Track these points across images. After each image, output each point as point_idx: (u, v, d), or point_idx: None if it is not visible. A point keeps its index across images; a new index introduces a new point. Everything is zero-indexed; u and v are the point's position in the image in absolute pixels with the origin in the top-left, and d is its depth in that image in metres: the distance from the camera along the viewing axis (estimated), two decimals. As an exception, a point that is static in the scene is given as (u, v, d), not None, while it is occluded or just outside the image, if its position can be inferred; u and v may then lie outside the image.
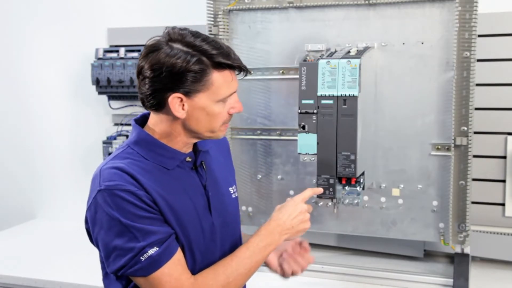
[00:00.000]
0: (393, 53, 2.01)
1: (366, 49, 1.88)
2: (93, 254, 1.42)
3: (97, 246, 1.32)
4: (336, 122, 1.70)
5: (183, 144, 1.35)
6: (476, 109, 2.03)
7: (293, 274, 1.50)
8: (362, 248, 2.37)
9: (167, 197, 1.29)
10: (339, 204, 1.75)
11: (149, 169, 1.30)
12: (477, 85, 2.05)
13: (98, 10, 2.85)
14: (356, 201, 1.74)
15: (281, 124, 2.20)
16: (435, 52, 1.96)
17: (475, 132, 2.06)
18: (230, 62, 1.27)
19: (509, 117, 2.25)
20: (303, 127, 1.74)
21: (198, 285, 1.28)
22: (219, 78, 1.27)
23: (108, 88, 2.71)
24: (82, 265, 2.37)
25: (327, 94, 1.70)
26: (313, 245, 2.38)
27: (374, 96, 2.00)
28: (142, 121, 1.39)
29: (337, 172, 1.71)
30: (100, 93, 2.75)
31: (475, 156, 2.09)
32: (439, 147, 2.01)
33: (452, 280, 2.06)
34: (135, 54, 2.69)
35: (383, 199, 2.10)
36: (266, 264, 1.52)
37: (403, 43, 2.00)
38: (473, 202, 2.08)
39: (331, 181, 1.71)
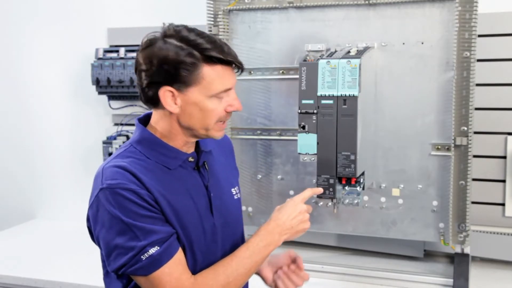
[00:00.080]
0: (393, 53, 2.01)
1: (366, 49, 1.88)
2: (93, 254, 1.42)
3: (98, 244, 1.32)
4: (336, 122, 1.70)
5: (183, 142, 1.35)
6: (476, 109, 2.03)
7: None
8: (362, 248, 2.37)
9: (169, 197, 1.29)
10: (339, 204, 1.75)
11: (151, 169, 1.30)
12: (477, 85, 2.05)
13: (98, 10, 2.85)
14: (356, 201, 1.74)
15: (281, 124, 2.20)
16: (435, 52, 1.96)
17: (475, 132, 2.06)
18: (221, 56, 1.26)
19: (509, 117, 2.25)
20: (303, 127, 1.74)
21: (198, 285, 1.28)
22: (211, 73, 1.26)
23: (108, 88, 2.71)
24: (82, 265, 2.37)
25: (327, 94, 1.70)
26: (313, 245, 2.40)
27: (374, 96, 2.00)
28: (145, 120, 1.39)
29: (337, 172, 1.71)
30: (100, 93, 2.75)
31: (475, 156, 2.09)
32: (439, 147, 2.01)
33: (452, 280, 2.06)
34: (135, 54, 2.68)
35: (383, 199, 2.10)
36: (262, 279, 1.54)
37: (403, 43, 2.00)
38: (473, 202, 2.08)
39: (331, 181, 1.71)
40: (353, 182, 1.74)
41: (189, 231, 1.32)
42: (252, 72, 2.21)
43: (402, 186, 2.07)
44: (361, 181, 1.78)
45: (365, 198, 2.11)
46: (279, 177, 2.22)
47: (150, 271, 1.24)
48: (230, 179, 1.50)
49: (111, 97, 2.79)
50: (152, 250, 1.23)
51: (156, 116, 1.35)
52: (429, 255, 2.33)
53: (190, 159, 1.37)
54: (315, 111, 1.71)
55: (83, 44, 2.84)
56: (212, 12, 2.19)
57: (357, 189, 1.75)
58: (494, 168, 2.28)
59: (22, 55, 2.99)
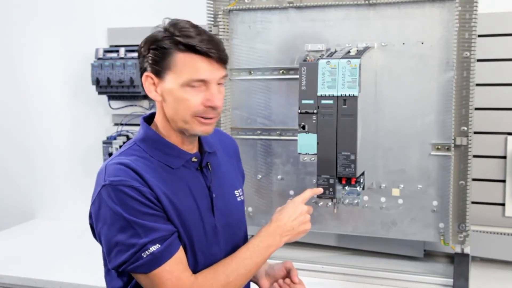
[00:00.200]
0: (393, 53, 2.01)
1: (366, 49, 1.88)
2: (93, 254, 1.42)
3: (99, 241, 1.32)
4: (336, 122, 1.69)
5: (179, 139, 1.36)
6: (476, 109, 2.03)
7: None
8: (362, 248, 2.37)
9: (171, 196, 1.29)
10: (339, 204, 1.75)
11: (154, 167, 1.31)
12: (477, 85, 2.05)
13: (98, 10, 2.85)
14: (356, 201, 1.74)
15: (281, 124, 2.20)
16: (435, 52, 1.96)
17: (475, 132, 2.06)
18: (192, 44, 1.25)
19: (509, 117, 2.25)
20: (303, 127, 1.74)
21: (199, 284, 1.28)
22: (183, 59, 1.27)
23: (108, 88, 2.70)
24: (82, 265, 2.37)
25: (327, 94, 1.69)
26: (313, 245, 2.40)
27: (374, 96, 2.00)
28: (150, 119, 1.40)
29: (337, 172, 1.71)
30: (100, 93, 2.75)
31: (475, 156, 2.09)
32: (439, 147, 2.01)
33: (452, 280, 2.06)
34: (135, 54, 2.69)
35: (383, 199, 2.10)
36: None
37: (403, 43, 2.00)
38: (473, 202, 2.08)
39: (331, 181, 1.70)
40: (353, 182, 1.74)
41: (190, 231, 1.32)
42: (252, 72, 2.21)
43: (402, 186, 2.07)
44: (361, 181, 1.78)
45: (365, 198, 2.11)
46: (279, 177, 2.22)
47: (150, 269, 1.24)
48: (233, 181, 1.50)
49: (111, 97, 2.79)
50: (153, 248, 1.24)
51: (156, 112, 1.37)
52: (429, 255, 2.33)
53: (194, 159, 1.37)
54: (315, 111, 1.71)
55: (83, 44, 2.84)
56: (212, 12, 2.19)
57: (357, 189, 1.75)
58: (494, 168, 2.28)
59: (22, 55, 2.99)
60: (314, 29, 2.09)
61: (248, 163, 2.25)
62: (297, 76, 1.76)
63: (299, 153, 1.77)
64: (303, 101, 1.73)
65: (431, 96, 1.99)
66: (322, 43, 2.03)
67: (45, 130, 3.02)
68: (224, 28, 2.18)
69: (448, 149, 1.99)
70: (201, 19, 2.21)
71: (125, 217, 1.23)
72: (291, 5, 2.11)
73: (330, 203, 2.09)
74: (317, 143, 1.73)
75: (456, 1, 1.88)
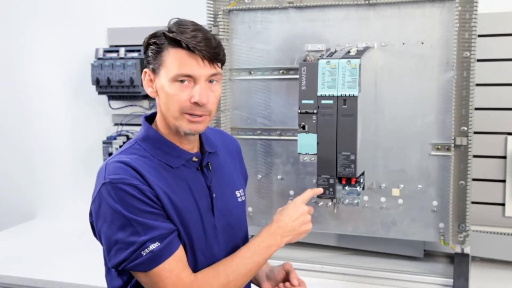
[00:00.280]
0: (393, 53, 2.01)
1: (366, 49, 1.88)
2: (93, 254, 1.43)
3: (99, 239, 1.32)
4: (336, 122, 1.69)
5: (179, 137, 1.36)
6: (476, 109, 2.03)
7: None
8: (362, 248, 2.37)
9: (171, 195, 1.30)
10: (339, 204, 1.75)
11: (154, 166, 1.31)
12: (477, 85, 2.05)
13: (98, 10, 2.85)
14: (356, 201, 1.74)
15: (281, 124, 2.20)
16: (435, 52, 1.96)
17: (475, 132, 2.06)
18: (179, 38, 1.27)
19: (509, 117, 2.25)
20: (303, 127, 1.74)
21: (199, 282, 1.28)
22: (172, 55, 1.28)
23: (108, 88, 2.70)
24: (82, 265, 2.37)
25: (327, 94, 1.70)
26: (313, 245, 2.40)
27: (374, 96, 2.00)
28: (151, 118, 1.40)
29: (337, 172, 1.71)
30: (100, 93, 2.75)
31: (475, 156, 2.09)
32: (439, 147, 2.01)
33: (452, 280, 2.06)
34: (135, 54, 2.69)
35: (383, 199, 2.10)
36: None
37: (403, 43, 2.00)
38: (473, 202, 2.08)
39: (331, 181, 1.70)
40: (353, 182, 1.74)
41: (189, 230, 1.32)
42: (252, 72, 2.21)
43: (402, 186, 2.07)
44: (361, 181, 1.78)
45: (365, 198, 2.11)
46: (279, 177, 2.22)
47: (150, 267, 1.24)
48: (234, 181, 1.50)
49: (111, 97, 2.79)
50: (153, 246, 1.24)
51: (157, 111, 1.38)
52: (429, 255, 2.33)
53: (194, 158, 1.38)
54: (315, 111, 1.71)
55: (83, 44, 2.84)
56: (212, 12, 2.19)
57: (357, 189, 1.75)
58: (494, 168, 2.28)
59: (22, 55, 2.99)
60: (314, 29, 2.09)
61: (248, 163, 2.24)
62: (297, 76, 1.77)
63: (299, 153, 1.77)
64: (303, 101, 1.73)
65: (431, 96, 1.99)
66: (322, 43, 2.03)
67: (45, 130, 3.02)
68: (224, 28, 2.18)
69: (448, 149, 1.99)
70: (201, 19, 2.21)
71: (124, 215, 1.24)
72: (291, 5, 2.11)
73: (330, 203, 2.09)
74: (317, 143, 1.73)
75: (456, 1, 1.88)
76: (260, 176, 2.25)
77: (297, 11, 2.12)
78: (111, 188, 1.25)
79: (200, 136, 1.43)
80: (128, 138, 2.78)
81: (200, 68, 1.28)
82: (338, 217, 2.16)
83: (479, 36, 1.93)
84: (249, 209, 2.27)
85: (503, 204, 2.29)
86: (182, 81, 1.28)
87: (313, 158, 1.75)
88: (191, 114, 1.30)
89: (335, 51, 1.91)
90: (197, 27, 1.30)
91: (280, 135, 2.21)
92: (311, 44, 2.03)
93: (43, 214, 3.11)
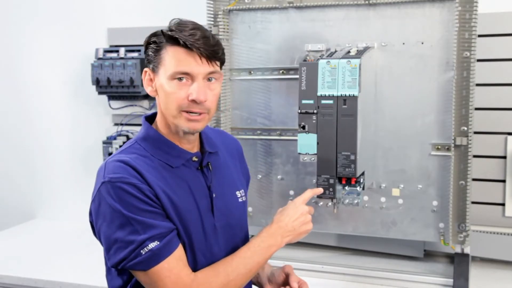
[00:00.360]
0: (393, 53, 2.01)
1: (366, 49, 1.88)
2: (93, 254, 1.43)
3: (99, 239, 1.32)
4: (336, 122, 1.69)
5: (179, 138, 1.36)
6: (476, 109, 2.03)
7: None
8: (362, 248, 2.37)
9: (170, 194, 1.30)
10: (339, 204, 1.75)
11: (154, 166, 1.31)
12: (477, 85, 2.05)
13: (98, 10, 2.85)
14: (356, 201, 1.74)
15: (281, 124, 2.20)
16: (435, 52, 1.96)
17: (475, 132, 2.06)
18: (176, 36, 1.27)
19: (509, 117, 2.25)
20: (303, 127, 1.74)
21: (198, 282, 1.28)
22: (170, 53, 1.29)
23: (108, 88, 2.70)
24: (82, 265, 2.37)
25: (327, 94, 1.70)
26: (313, 245, 2.40)
27: (374, 96, 2.00)
28: (152, 118, 1.40)
29: (337, 172, 1.71)
30: (100, 93, 2.75)
31: (475, 156, 2.09)
32: (439, 147, 2.01)
33: (452, 280, 2.06)
34: (135, 54, 2.69)
35: (383, 199, 2.10)
36: None
37: (403, 43, 2.00)
38: (473, 202, 2.08)
39: (331, 181, 1.70)
40: (353, 182, 1.74)
41: (189, 230, 1.32)
42: (252, 72, 2.21)
43: (402, 186, 2.07)
44: (361, 181, 1.78)
45: (365, 198, 2.11)
46: (279, 177, 2.22)
47: (149, 266, 1.24)
48: (235, 181, 1.50)
49: (111, 97, 2.79)
50: (152, 245, 1.24)
51: (157, 111, 1.38)
52: (429, 255, 2.33)
53: (194, 158, 1.38)
54: (315, 111, 1.71)
55: (83, 44, 2.84)
56: (212, 12, 2.19)
57: (357, 189, 1.75)
58: (494, 168, 2.28)
59: (22, 55, 2.99)
60: (314, 29, 2.09)
61: (248, 163, 2.22)
62: (297, 76, 1.77)
63: (299, 153, 1.77)
64: (303, 101, 1.73)
65: (431, 96, 1.99)
66: (322, 43, 2.03)
67: (45, 130, 3.02)
68: (224, 28, 2.18)
69: (448, 149, 1.99)
70: (201, 19, 2.20)
71: (124, 214, 1.24)
72: (291, 5, 2.11)
73: (330, 203, 2.09)
74: (317, 143, 1.73)
75: (456, 1, 1.88)
76: (260, 176, 2.25)
77: (297, 11, 2.12)
78: (111, 187, 1.25)
79: (200, 136, 1.43)
80: (128, 138, 2.78)
81: (198, 66, 1.29)
82: (338, 217, 2.16)
83: (479, 36, 1.93)
84: (249, 209, 2.27)
85: (503, 204, 2.29)
86: (180, 79, 1.29)
87: (313, 158, 1.75)
88: (189, 112, 1.30)
89: (335, 51, 1.91)
90: (196, 26, 1.31)
91: (280, 135, 2.21)
92: (311, 44, 2.03)
93: (43, 214, 3.11)
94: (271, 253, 1.37)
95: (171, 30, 1.29)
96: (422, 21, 1.97)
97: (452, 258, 2.23)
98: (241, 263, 1.33)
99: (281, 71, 2.16)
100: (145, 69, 1.35)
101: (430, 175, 2.04)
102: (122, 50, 2.72)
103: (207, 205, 1.37)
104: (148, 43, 1.33)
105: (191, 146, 1.39)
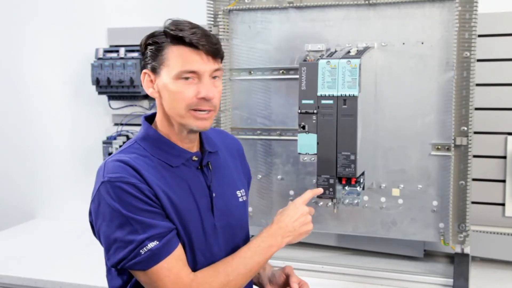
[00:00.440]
0: (393, 53, 2.01)
1: (366, 49, 1.88)
2: (93, 254, 1.43)
3: (99, 239, 1.32)
4: (336, 122, 1.70)
5: (181, 137, 1.36)
6: (476, 109, 2.03)
7: None
8: (362, 248, 2.37)
9: (170, 193, 1.30)
10: (339, 204, 1.75)
11: (154, 166, 1.31)
12: (477, 85, 2.05)
13: (98, 10, 2.85)
14: (356, 201, 1.74)
15: (281, 124, 2.20)
16: (435, 52, 1.96)
17: (475, 132, 2.06)
18: (181, 35, 1.27)
19: (509, 117, 2.25)
20: (303, 127, 1.74)
21: (198, 281, 1.28)
22: (174, 52, 1.29)
23: (108, 88, 2.70)
24: (82, 265, 2.37)
25: (327, 94, 1.70)
26: (313, 245, 2.40)
27: (374, 96, 2.00)
28: (151, 118, 1.40)
29: (337, 172, 1.71)
30: (100, 93, 2.75)
31: (475, 156, 2.09)
32: (439, 147, 2.01)
33: (452, 280, 2.06)
34: (135, 54, 2.69)
35: (383, 199, 2.10)
36: None
37: (403, 43, 2.00)
38: (473, 202, 2.08)
39: (331, 181, 1.71)
40: (353, 182, 1.74)
41: (189, 229, 1.32)
42: (252, 72, 2.21)
43: (402, 186, 2.07)
44: (361, 181, 1.78)
45: (365, 198, 2.11)
46: (279, 177, 2.22)
47: (149, 265, 1.24)
48: (235, 181, 1.50)
49: (111, 97, 2.79)
50: (151, 245, 1.24)
51: (157, 111, 1.38)
52: (429, 255, 2.33)
53: (194, 158, 1.38)
54: (315, 111, 1.71)
55: (83, 44, 2.84)
56: (212, 12, 2.19)
57: (357, 189, 1.75)
58: (494, 168, 2.28)
59: (22, 55, 2.99)
60: (314, 29, 2.09)
61: (248, 163, 2.26)
62: (297, 76, 1.77)
63: (299, 153, 1.77)
64: (303, 101, 1.73)
65: (431, 96, 1.99)
66: (322, 43, 2.03)
67: (45, 130, 3.02)
68: (224, 28, 2.18)
69: (448, 149, 1.99)
70: (201, 19, 2.21)
71: (123, 213, 1.24)
72: (291, 5, 2.11)
73: (330, 203, 2.09)
74: (317, 143, 1.73)
75: (456, 1, 1.88)
76: (260, 176, 2.25)
77: (297, 11, 2.12)
78: (110, 186, 1.25)
79: (200, 135, 1.43)
80: (128, 138, 2.78)
81: (204, 64, 1.29)
82: (338, 217, 2.16)
83: (479, 36, 1.93)
84: (249, 209, 2.27)
85: (503, 204, 2.29)
86: (186, 78, 1.29)
87: (313, 158, 1.75)
88: (198, 110, 1.30)
89: (335, 51, 1.91)
90: (194, 25, 1.31)
91: (280, 135, 2.21)
92: (311, 44, 2.03)
93: (43, 214, 3.11)
94: (272, 253, 1.37)
95: (171, 30, 1.29)
96: (422, 21, 1.97)
97: (452, 258, 2.23)
98: (241, 263, 1.33)
99: (281, 71, 2.16)
100: (144, 70, 1.34)
101: (430, 175, 2.04)
102: (122, 50, 2.72)
103: (207, 204, 1.37)
104: (147, 44, 1.32)
105: (192, 145, 1.39)
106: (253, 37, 2.19)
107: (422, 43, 1.97)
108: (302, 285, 1.49)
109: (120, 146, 2.67)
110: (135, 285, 1.33)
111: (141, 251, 1.23)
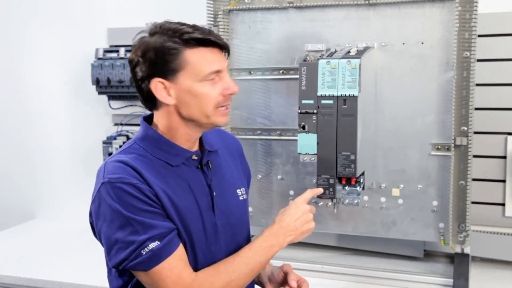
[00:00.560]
0: (393, 53, 2.01)
1: (366, 49, 1.88)
2: (93, 254, 1.43)
3: (99, 239, 1.32)
4: (336, 122, 1.70)
5: (188, 137, 1.35)
6: (476, 109, 2.03)
7: None
8: (362, 248, 2.37)
9: (170, 193, 1.30)
10: (339, 204, 1.75)
11: (154, 166, 1.31)
12: (477, 85, 2.05)
13: (98, 10, 2.85)
14: (356, 201, 1.74)
15: (281, 124, 2.20)
16: (435, 52, 1.96)
17: (475, 132, 2.06)
18: (199, 36, 1.26)
19: (509, 117, 2.25)
20: (303, 127, 1.74)
21: (199, 281, 1.28)
22: (195, 55, 1.27)
23: (108, 88, 2.71)
24: (82, 265, 2.38)
25: (327, 94, 1.70)
26: (313, 245, 2.40)
27: (374, 96, 2.00)
28: (150, 118, 1.40)
29: (337, 172, 1.71)
30: (100, 93, 2.76)
31: (475, 156, 2.09)
32: (439, 147, 2.01)
33: (452, 280, 2.06)
34: (135, 54, 2.69)
35: (383, 199, 2.10)
36: None
37: (403, 43, 2.00)
38: (473, 202, 2.08)
39: (331, 181, 1.71)
40: (353, 182, 1.74)
41: (190, 229, 1.32)
42: (252, 72, 2.21)
43: (402, 186, 2.07)
44: (361, 181, 1.78)
45: (365, 198, 2.11)
46: (279, 177, 2.22)
47: (150, 266, 1.24)
48: (235, 180, 1.50)
49: (111, 97, 2.79)
50: (152, 245, 1.24)
51: (157, 117, 1.36)
52: (429, 255, 2.33)
53: (194, 157, 1.37)
54: (315, 111, 1.71)
55: (83, 44, 2.84)
56: (212, 12, 2.19)
57: (357, 189, 1.75)
58: (494, 168, 2.29)
59: (22, 55, 2.99)
60: (314, 29, 2.09)
61: (248, 163, 2.25)
62: (297, 76, 1.77)
63: (299, 153, 1.77)
64: (303, 101, 1.73)
65: (431, 96, 1.99)
66: (322, 43, 2.03)
67: (45, 130, 3.02)
68: (224, 28, 2.18)
69: (448, 149, 1.99)
70: (201, 19, 2.22)
71: (124, 214, 1.24)
72: (291, 5, 2.11)
73: (330, 203, 2.09)
74: (317, 143, 1.73)
75: (456, 1, 1.88)
76: (260, 176, 2.25)
77: (297, 11, 2.12)
78: (110, 187, 1.25)
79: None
80: (128, 138, 2.78)
81: (224, 61, 1.32)
82: (338, 217, 2.16)
83: (479, 36, 1.93)
84: (249, 209, 2.27)
85: (503, 204, 2.29)
86: (212, 78, 1.29)
87: (313, 158, 1.75)
88: (224, 107, 1.33)
89: (335, 51, 1.91)
90: (194, 24, 1.30)
91: (280, 135, 2.21)
92: (311, 44, 2.03)
93: (43, 214, 3.11)
94: (273, 253, 1.37)
95: (182, 33, 1.26)
96: (422, 21, 1.97)
97: (452, 258, 2.23)
98: (242, 263, 1.33)
99: (281, 71, 2.16)
100: (157, 79, 1.28)
101: (430, 175, 2.04)
102: (122, 50, 2.72)
103: (207, 203, 1.37)
104: (155, 54, 1.27)
105: (192, 144, 1.39)
106: (253, 37, 2.19)
107: (422, 43, 1.97)
108: (302, 283, 1.49)
109: (120, 146, 2.68)
110: (136, 286, 1.33)
111: (142, 251, 1.23)
